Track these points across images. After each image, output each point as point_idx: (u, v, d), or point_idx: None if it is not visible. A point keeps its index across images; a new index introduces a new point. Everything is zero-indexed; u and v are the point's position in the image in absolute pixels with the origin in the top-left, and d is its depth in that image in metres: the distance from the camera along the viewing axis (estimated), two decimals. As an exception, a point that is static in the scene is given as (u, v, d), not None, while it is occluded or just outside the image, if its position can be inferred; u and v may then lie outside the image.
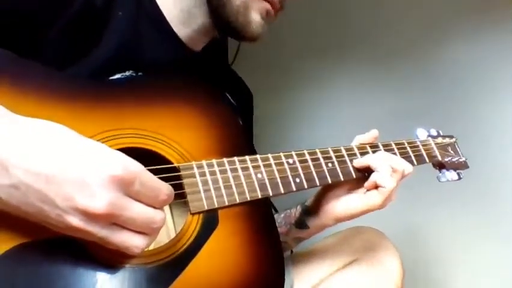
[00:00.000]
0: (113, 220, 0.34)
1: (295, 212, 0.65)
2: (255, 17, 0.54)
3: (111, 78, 0.50)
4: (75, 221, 0.33)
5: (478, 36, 1.07)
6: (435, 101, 1.10)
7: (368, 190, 0.57)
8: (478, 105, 1.07)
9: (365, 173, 0.57)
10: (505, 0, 1.03)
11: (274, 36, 1.20)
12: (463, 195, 1.04)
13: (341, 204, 0.58)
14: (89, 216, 0.33)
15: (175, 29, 0.56)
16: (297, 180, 0.52)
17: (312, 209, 0.62)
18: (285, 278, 0.66)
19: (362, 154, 0.59)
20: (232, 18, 0.53)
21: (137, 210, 0.35)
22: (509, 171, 1.03)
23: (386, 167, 0.56)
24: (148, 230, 0.36)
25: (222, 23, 0.55)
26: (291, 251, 0.73)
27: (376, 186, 0.56)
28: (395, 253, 0.67)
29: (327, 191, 0.59)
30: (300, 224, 0.63)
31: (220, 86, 0.55)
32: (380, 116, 1.12)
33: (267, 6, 0.55)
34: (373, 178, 0.56)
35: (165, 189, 0.37)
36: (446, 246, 1.09)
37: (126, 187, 0.34)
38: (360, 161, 0.57)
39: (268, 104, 1.24)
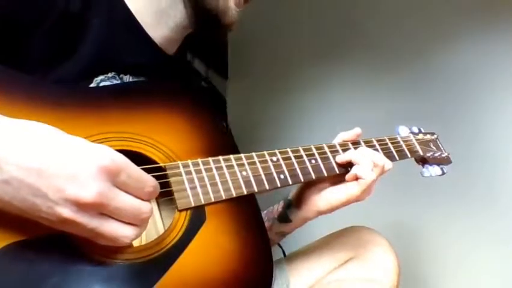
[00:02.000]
0: (102, 210, 0.35)
1: (278, 207, 0.66)
2: (231, 4, 0.57)
3: (95, 79, 0.52)
4: (66, 211, 0.34)
5: (478, 36, 1.09)
6: (436, 102, 1.12)
7: (348, 181, 0.58)
8: (479, 106, 1.08)
9: (348, 167, 0.59)
10: (505, 0, 1.05)
11: (273, 38, 1.24)
12: (461, 195, 1.05)
13: (323, 197, 0.60)
14: (79, 206, 0.34)
15: (149, 32, 0.58)
16: (282, 176, 0.54)
17: (295, 203, 0.63)
18: (281, 278, 0.67)
19: (344, 151, 0.60)
20: (212, 7, 0.56)
21: (125, 200, 0.36)
22: (508, 172, 1.04)
23: (367, 160, 0.58)
24: (136, 221, 0.37)
25: (201, 13, 0.57)
26: (284, 254, 0.73)
27: (356, 178, 0.57)
28: (391, 251, 0.67)
29: (309, 185, 0.61)
30: (283, 218, 0.65)
31: (198, 88, 0.57)
32: (379, 117, 1.13)
33: None
34: (354, 171, 0.58)
35: (151, 181, 0.39)
36: (444, 245, 1.09)
37: (113, 178, 0.36)
38: (342, 157, 0.59)
39: (267, 106, 1.26)
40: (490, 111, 1.07)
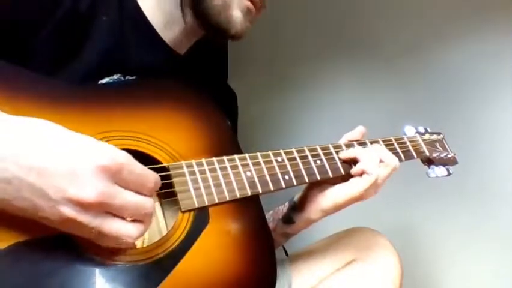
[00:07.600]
0: (104, 209, 0.35)
1: (283, 207, 0.66)
2: (236, 13, 0.56)
3: (100, 82, 0.51)
4: (68, 211, 0.34)
5: (478, 36, 1.07)
6: (435, 102, 1.11)
7: (353, 176, 0.57)
8: (478, 105, 1.07)
9: (352, 166, 0.58)
10: (505, 0, 1.04)
11: (273, 37, 1.23)
12: (461, 194, 1.04)
13: (326, 196, 0.58)
14: (81, 205, 0.34)
15: (160, 32, 0.57)
16: (286, 177, 0.53)
17: (299, 204, 0.63)
18: (283, 278, 0.67)
19: None
20: (213, 16, 0.55)
21: (127, 198, 0.36)
22: (507, 171, 1.03)
23: (373, 156, 0.57)
24: (140, 217, 0.37)
25: (205, 22, 0.57)
26: (286, 253, 0.73)
27: (361, 174, 0.57)
28: (393, 252, 0.67)
29: (314, 186, 0.60)
30: (287, 219, 0.64)
31: (205, 87, 0.56)
32: (379, 117, 1.12)
33: (248, 3, 0.57)
34: (360, 165, 0.57)
35: (152, 176, 0.38)
36: (445, 245, 1.09)
37: (115, 176, 0.35)
38: (346, 153, 0.59)
39: (266, 105, 1.25)
40: (487, 111, 1.06)
